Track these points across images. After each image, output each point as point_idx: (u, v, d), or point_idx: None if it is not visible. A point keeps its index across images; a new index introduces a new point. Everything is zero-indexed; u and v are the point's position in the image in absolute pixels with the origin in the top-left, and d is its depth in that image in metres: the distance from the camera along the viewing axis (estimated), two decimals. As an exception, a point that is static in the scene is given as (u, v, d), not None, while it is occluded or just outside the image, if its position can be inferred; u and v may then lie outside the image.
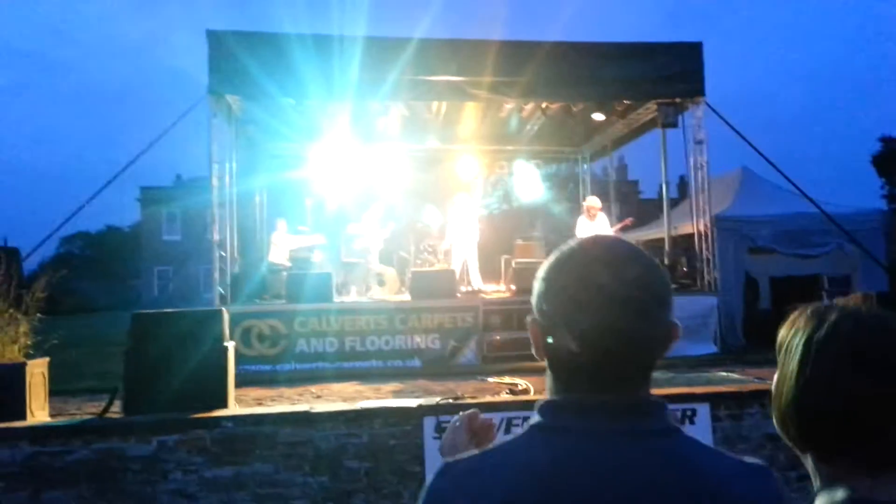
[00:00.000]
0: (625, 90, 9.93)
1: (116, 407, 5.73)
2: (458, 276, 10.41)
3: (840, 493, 0.88)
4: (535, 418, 0.92)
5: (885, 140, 32.62)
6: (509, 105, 10.36)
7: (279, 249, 11.32)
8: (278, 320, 8.55)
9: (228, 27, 9.81)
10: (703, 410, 5.62)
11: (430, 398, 5.89)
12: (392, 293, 11.12)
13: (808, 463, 0.94)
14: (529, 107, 10.75)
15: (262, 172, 12.64)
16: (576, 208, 13.76)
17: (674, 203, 13.16)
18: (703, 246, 10.00)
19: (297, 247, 11.48)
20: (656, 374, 0.93)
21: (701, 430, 5.48)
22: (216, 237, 9.41)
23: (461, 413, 1.20)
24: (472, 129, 12.25)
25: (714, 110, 9.90)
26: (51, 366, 6.02)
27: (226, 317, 6.11)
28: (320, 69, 9.00)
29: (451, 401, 5.67)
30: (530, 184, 13.60)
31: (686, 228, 11.15)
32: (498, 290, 11.08)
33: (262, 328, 8.49)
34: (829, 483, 0.90)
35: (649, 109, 10.94)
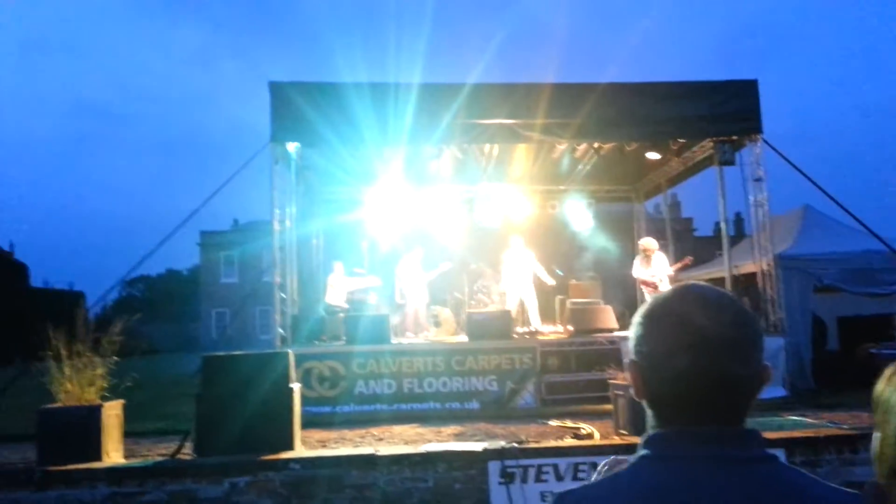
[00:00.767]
0: (680, 129, 9.89)
1: (187, 448, 5.87)
2: (514, 316, 10.39)
3: None
4: (642, 451, 0.96)
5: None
6: (562, 146, 10.42)
7: (336, 291, 11.51)
8: (337, 361, 8.65)
9: (287, 78, 10.14)
10: (779, 456, 5.41)
11: (494, 441, 5.85)
12: (448, 334, 11.15)
13: None
14: (582, 147, 10.79)
15: (320, 216, 12.98)
16: (629, 247, 13.63)
17: (731, 241, 12.89)
18: (768, 285, 9.75)
19: (353, 288, 11.66)
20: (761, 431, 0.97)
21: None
22: (277, 279, 9.64)
23: (611, 458, 1.23)
24: (524, 169, 12.34)
25: (773, 147, 9.76)
26: (123, 407, 6.23)
27: (292, 358, 6.23)
28: (376, 116, 9.26)
29: (515, 445, 5.62)
30: (583, 223, 13.55)
31: (747, 267, 10.90)
32: (555, 331, 11.00)
33: (322, 369, 8.60)
34: None
35: (705, 147, 10.85)
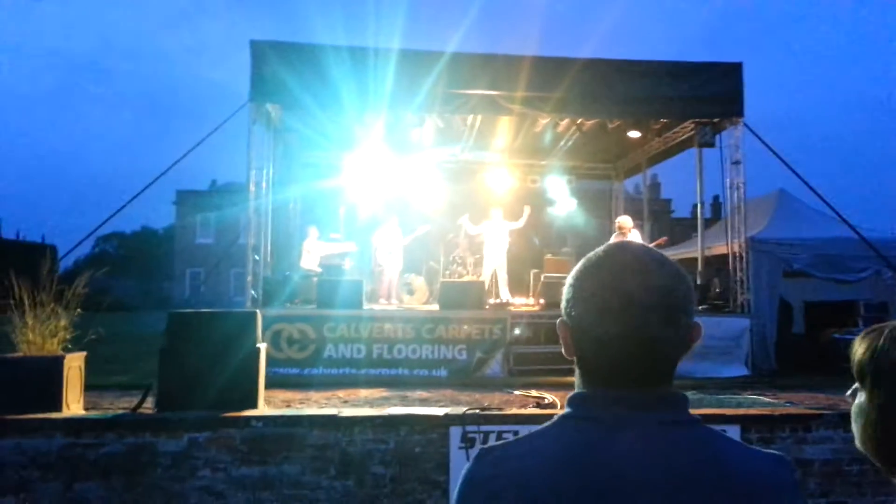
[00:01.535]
0: (663, 108, 9.88)
1: (149, 403, 5.86)
2: (487, 287, 10.43)
3: None
4: (566, 409, 0.97)
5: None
6: (545, 120, 10.38)
7: (311, 256, 11.47)
8: (308, 325, 8.65)
9: (270, 38, 9.97)
10: (734, 432, 5.53)
11: (457, 408, 5.91)
12: (420, 302, 11.18)
13: None
14: (565, 122, 10.76)
15: (298, 180, 12.86)
16: (606, 224, 13.72)
17: (707, 223, 13.00)
18: (738, 267, 9.87)
19: (328, 253, 11.62)
20: (687, 395, 0.97)
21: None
22: (252, 241, 9.57)
23: None
24: (506, 142, 12.30)
25: (753, 131, 9.81)
26: (87, 360, 6.18)
27: (259, 319, 6.21)
28: (356, 80, 9.14)
29: (477, 411, 5.68)
30: (562, 198, 13.59)
31: (720, 249, 11.02)
32: (526, 304, 11.07)
33: (291, 332, 8.59)
34: None
35: (686, 128, 10.88)
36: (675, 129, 11.18)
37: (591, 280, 0.96)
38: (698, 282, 10.40)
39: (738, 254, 9.93)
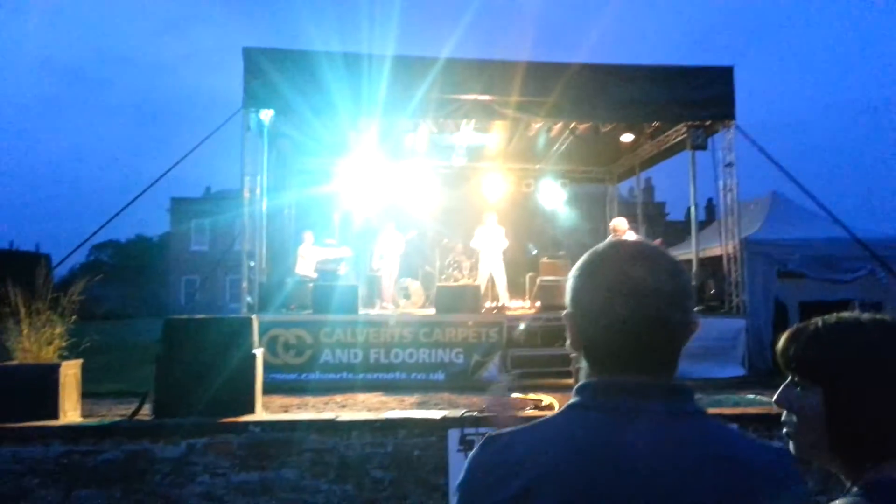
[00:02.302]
0: (656, 112, 9.94)
1: (146, 410, 5.84)
2: (483, 291, 10.44)
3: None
4: (574, 398, 0.98)
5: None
6: (538, 124, 10.43)
7: (306, 262, 11.47)
8: (304, 330, 8.66)
9: (263, 45, 9.98)
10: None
11: (455, 410, 5.91)
12: (417, 306, 11.19)
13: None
14: (558, 126, 10.81)
15: (292, 187, 12.86)
16: (601, 228, 13.77)
17: (701, 226, 13.06)
18: (732, 268, 9.92)
19: (323, 259, 11.62)
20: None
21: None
22: (247, 247, 9.56)
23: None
24: (499, 147, 12.34)
25: (745, 134, 9.88)
26: (83, 368, 6.16)
27: (255, 325, 6.21)
28: (349, 86, 9.16)
29: (475, 413, 5.68)
30: (556, 203, 13.63)
31: (714, 251, 11.07)
32: (523, 307, 11.09)
33: (287, 337, 8.60)
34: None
35: (679, 131, 10.95)
36: (667, 133, 11.25)
37: (599, 269, 0.99)
38: (693, 283, 10.44)
39: (732, 255, 9.98)
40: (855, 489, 0.99)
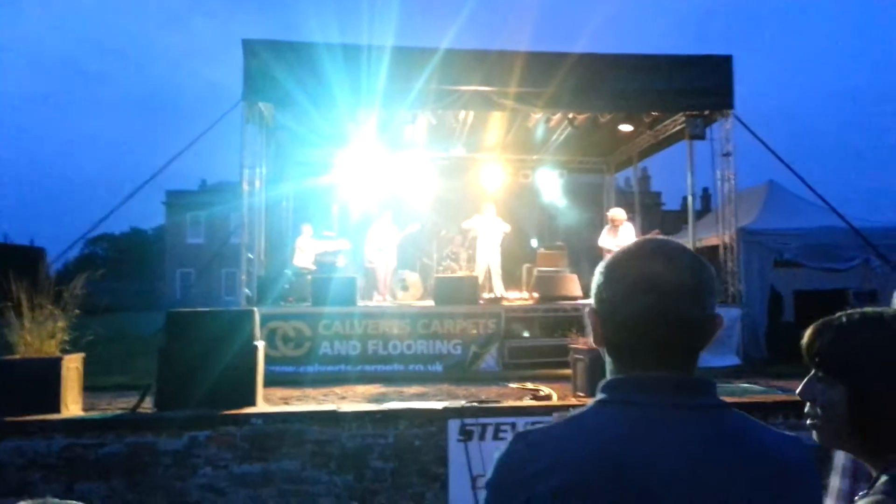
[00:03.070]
0: (654, 101, 9.95)
1: (148, 403, 5.88)
2: (480, 282, 10.49)
3: None
4: (600, 395, 1.00)
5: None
6: (537, 115, 10.44)
7: (304, 254, 11.48)
8: (303, 322, 8.68)
9: (262, 37, 9.96)
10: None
11: (455, 401, 5.96)
12: (415, 298, 11.23)
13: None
14: (556, 116, 10.81)
15: (290, 179, 12.85)
16: (597, 218, 13.79)
17: (697, 215, 13.11)
18: (728, 258, 9.97)
19: (321, 251, 11.63)
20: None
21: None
22: (245, 240, 9.57)
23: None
24: (497, 137, 12.34)
25: (743, 123, 9.90)
26: (84, 362, 6.19)
27: (257, 317, 6.24)
28: (349, 78, 9.14)
29: (475, 404, 5.73)
30: (554, 193, 13.65)
31: (711, 240, 11.12)
32: (520, 298, 11.13)
33: (287, 330, 8.62)
34: None
35: (676, 121, 10.96)
36: (665, 122, 11.26)
37: (622, 266, 1.02)
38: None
39: (728, 244, 10.03)
40: (881, 483, 1.03)
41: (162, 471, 5.30)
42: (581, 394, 6.32)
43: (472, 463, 5.36)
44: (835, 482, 1.59)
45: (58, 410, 5.66)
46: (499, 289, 11.17)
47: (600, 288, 1.03)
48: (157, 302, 32.33)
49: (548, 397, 6.50)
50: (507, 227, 11.41)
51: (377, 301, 10.84)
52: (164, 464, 5.31)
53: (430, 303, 9.75)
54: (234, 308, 7.60)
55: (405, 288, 11.36)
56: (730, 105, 9.93)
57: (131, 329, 15.60)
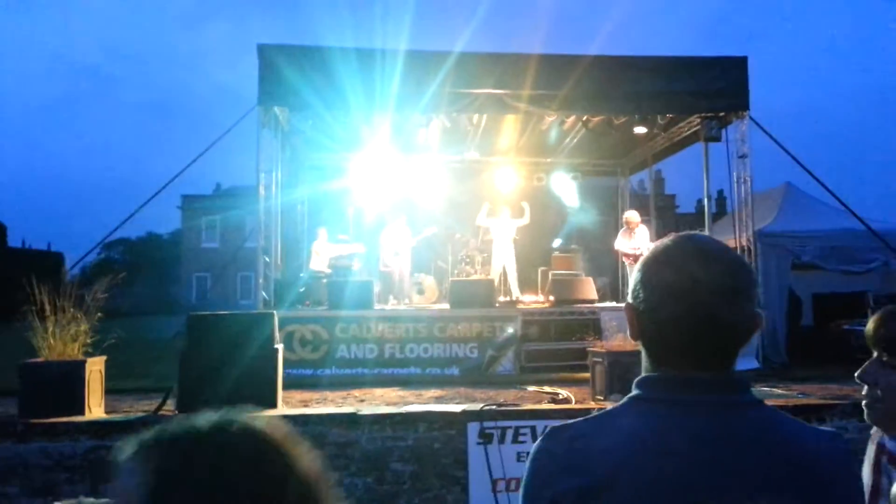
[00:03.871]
0: (669, 103, 9.91)
1: (170, 405, 5.93)
2: (496, 285, 10.49)
3: None
4: (634, 391, 1.01)
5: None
6: (551, 118, 10.43)
7: (320, 258, 11.52)
8: (320, 325, 8.73)
9: (275, 41, 10.02)
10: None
11: (474, 404, 5.97)
12: (431, 301, 11.24)
13: None
14: (571, 119, 10.80)
15: (305, 183, 12.92)
16: (612, 221, 13.75)
17: (713, 218, 13.04)
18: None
19: (337, 255, 11.67)
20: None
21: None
22: (261, 243, 9.63)
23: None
24: (511, 140, 12.35)
25: (759, 125, 9.84)
26: (105, 365, 6.25)
27: (276, 320, 6.28)
28: (363, 82, 9.18)
29: (494, 407, 5.74)
30: (568, 196, 13.63)
31: (727, 243, 11.00)
32: (536, 301, 11.12)
33: (304, 333, 8.67)
34: None
35: (692, 123, 10.91)
36: (680, 125, 11.21)
37: (659, 265, 1.01)
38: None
39: (746, 247, 9.96)
40: None
41: (184, 473, 5.33)
42: (600, 397, 6.30)
43: (492, 466, 5.37)
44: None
45: (82, 413, 5.73)
46: (515, 291, 11.16)
47: (637, 286, 1.03)
48: (172, 306, 32.56)
49: (566, 400, 6.49)
50: (527, 219, 11.35)
51: (393, 305, 10.87)
52: (186, 466, 5.34)
53: (446, 306, 9.76)
54: (254, 311, 7.64)
55: (421, 291, 11.38)
56: (745, 106, 9.86)
57: (148, 333, 15.70)
